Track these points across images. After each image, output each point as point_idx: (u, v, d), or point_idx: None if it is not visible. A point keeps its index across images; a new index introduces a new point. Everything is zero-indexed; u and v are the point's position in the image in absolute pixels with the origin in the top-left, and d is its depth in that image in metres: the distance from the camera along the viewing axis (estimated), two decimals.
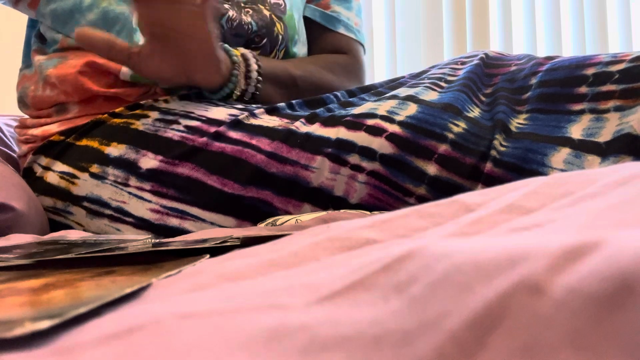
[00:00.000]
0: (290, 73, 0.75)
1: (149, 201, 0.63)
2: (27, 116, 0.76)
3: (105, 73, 0.70)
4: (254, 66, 0.69)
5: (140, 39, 0.69)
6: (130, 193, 0.63)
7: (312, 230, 0.30)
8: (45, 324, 0.18)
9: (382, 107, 0.60)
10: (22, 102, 0.75)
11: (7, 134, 0.84)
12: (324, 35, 0.87)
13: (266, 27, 0.75)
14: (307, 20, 0.87)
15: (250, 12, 0.75)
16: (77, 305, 0.20)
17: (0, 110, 1.06)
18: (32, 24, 0.81)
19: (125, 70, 0.69)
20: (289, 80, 0.75)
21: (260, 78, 0.70)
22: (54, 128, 0.70)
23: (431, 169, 0.56)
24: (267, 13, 0.76)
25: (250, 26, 0.74)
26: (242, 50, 0.70)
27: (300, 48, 0.83)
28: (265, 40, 0.75)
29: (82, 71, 0.69)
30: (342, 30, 0.87)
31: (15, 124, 0.83)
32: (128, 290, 0.23)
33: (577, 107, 0.56)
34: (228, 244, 0.37)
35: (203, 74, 0.65)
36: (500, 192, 0.30)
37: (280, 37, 0.77)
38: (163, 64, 0.62)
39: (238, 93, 0.69)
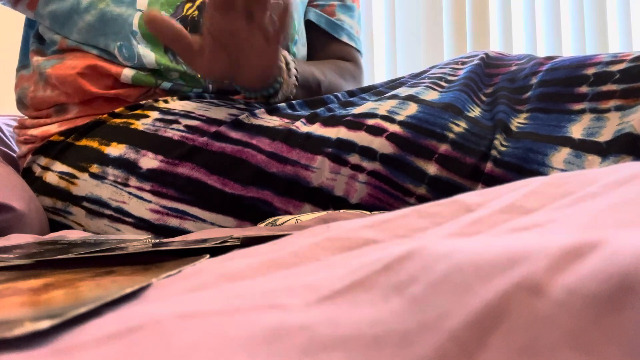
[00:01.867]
0: (317, 79, 0.76)
1: (149, 201, 0.63)
2: (25, 117, 0.76)
3: (105, 75, 0.70)
4: (293, 71, 0.69)
5: (138, 42, 0.69)
6: (130, 193, 0.63)
7: (312, 230, 0.30)
8: (45, 324, 0.18)
9: (383, 106, 0.60)
10: (21, 103, 0.75)
11: (7, 134, 0.84)
12: (327, 42, 0.88)
13: None
14: (310, 24, 0.88)
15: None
16: (77, 305, 0.20)
17: (0, 110, 1.06)
18: (30, 24, 0.80)
19: (126, 73, 0.69)
20: (315, 86, 0.75)
21: (297, 84, 0.70)
22: (53, 128, 0.70)
23: (431, 168, 0.56)
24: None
25: None
26: (284, 53, 0.70)
27: (300, 49, 0.84)
28: None
29: (81, 73, 0.69)
30: (345, 38, 0.88)
31: (15, 124, 0.83)
32: (128, 290, 0.23)
33: (578, 106, 0.56)
34: (228, 244, 0.37)
35: (251, 82, 0.66)
36: (500, 192, 0.30)
37: None
38: (218, 65, 0.62)
39: (277, 98, 0.69)
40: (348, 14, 0.90)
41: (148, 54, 0.69)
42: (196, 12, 0.71)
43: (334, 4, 0.89)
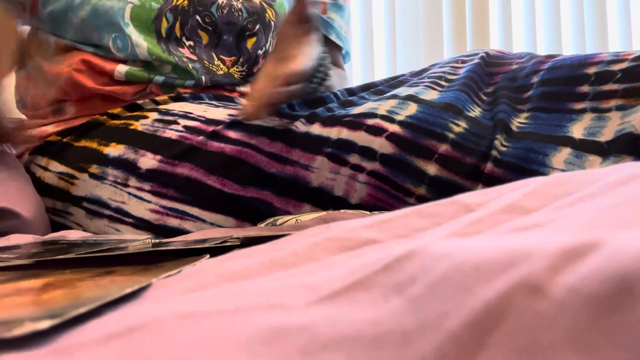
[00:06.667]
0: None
1: (149, 201, 0.63)
2: (24, 117, 0.76)
3: (99, 72, 0.70)
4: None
5: (130, 33, 0.69)
6: (129, 193, 0.63)
7: (312, 230, 0.30)
8: (45, 324, 0.18)
9: (383, 106, 0.60)
10: (21, 103, 0.75)
11: None
12: None
13: (257, 13, 0.75)
14: None
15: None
16: (77, 305, 0.20)
17: None
18: None
19: (119, 70, 0.69)
20: None
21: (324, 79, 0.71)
22: (50, 129, 0.70)
23: (431, 168, 0.56)
24: (257, 0, 0.76)
25: (240, 13, 0.74)
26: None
27: None
28: (258, 26, 0.75)
29: (77, 69, 0.69)
30: (333, 37, 0.89)
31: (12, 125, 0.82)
32: (128, 290, 0.23)
33: (579, 106, 0.56)
34: (228, 244, 0.37)
35: None
36: (501, 192, 0.30)
37: (272, 23, 0.78)
38: None
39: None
40: (339, 13, 0.91)
41: (141, 43, 0.69)
42: (186, 2, 0.71)
43: (326, 1, 0.90)
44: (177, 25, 0.70)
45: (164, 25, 0.70)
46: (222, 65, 0.72)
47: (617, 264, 0.13)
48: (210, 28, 0.72)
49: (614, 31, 1.72)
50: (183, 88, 0.71)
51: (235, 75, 0.74)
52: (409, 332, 0.16)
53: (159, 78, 0.70)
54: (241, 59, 0.74)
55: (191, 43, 0.71)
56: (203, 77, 0.71)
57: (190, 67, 0.70)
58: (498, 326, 0.14)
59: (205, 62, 0.72)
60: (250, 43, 0.74)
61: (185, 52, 0.71)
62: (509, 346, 0.14)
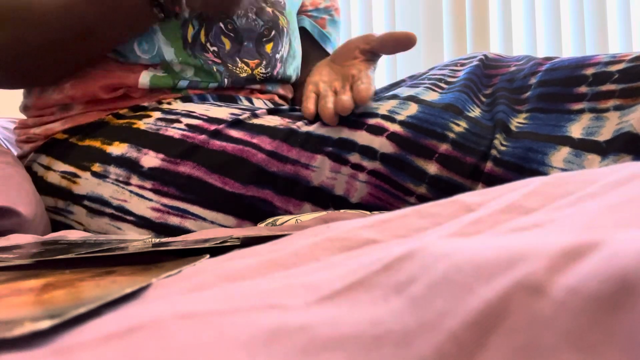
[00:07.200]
0: None
1: (150, 200, 0.63)
2: (25, 117, 0.76)
3: (120, 87, 0.70)
4: None
5: (159, 38, 0.70)
6: (131, 192, 0.64)
7: (312, 230, 0.30)
8: (45, 324, 0.18)
9: (383, 106, 0.61)
10: (26, 107, 0.75)
11: (1, 137, 0.83)
12: (314, 49, 0.93)
13: (271, 21, 0.78)
14: (304, 31, 0.92)
15: (254, 9, 0.77)
16: (77, 305, 0.20)
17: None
18: None
19: (143, 79, 0.69)
20: None
21: None
22: (57, 127, 0.70)
23: (432, 168, 0.56)
24: (269, 9, 0.78)
25: (257, 22, 0.76)
26: None
27: (298, 46, 0.85)
28: (273, 32, 0.78)
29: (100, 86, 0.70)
30: (329, 49, 0.94)
31: (11, 126, 0.82)
32: (128, 290, 0.23)
33: (577, 106, 0.56)
34: (228, 244, 0.37)
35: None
36: (501, 192, 0.30)
37: (285, 29, 0.80)
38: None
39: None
40: (335, 29, 0.96)
41: (168, 49, 0.69)
42: None
43: (325, 17, 0.95)
44: (202, 31, 0.72)
45: (190, 31, 0.71)
46: (246, 67, 0.74)
47: (617, 264, 0.13)
48: (232, 35, 0.73)
49: (614, 32, 1.72)
50: (206, 90, 0.72)
51: (258, 77, 0.76)
52: (409, 332, 0.16)
53: (183, 83, 0.70)
54: (264, 62, 0.76)
55: (215, 49, 0.72)
56: (225, 80, 0.72)
57: (215, 69, 0.72)
58: (498, 326, 0.14)
59: (229, 65, 0.73)
60: (269, 48, 0.77)
61: (210, 56, 0.72)
62: (509, 346, 0.14)
